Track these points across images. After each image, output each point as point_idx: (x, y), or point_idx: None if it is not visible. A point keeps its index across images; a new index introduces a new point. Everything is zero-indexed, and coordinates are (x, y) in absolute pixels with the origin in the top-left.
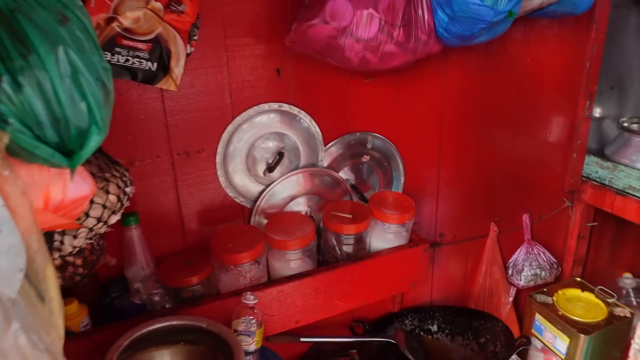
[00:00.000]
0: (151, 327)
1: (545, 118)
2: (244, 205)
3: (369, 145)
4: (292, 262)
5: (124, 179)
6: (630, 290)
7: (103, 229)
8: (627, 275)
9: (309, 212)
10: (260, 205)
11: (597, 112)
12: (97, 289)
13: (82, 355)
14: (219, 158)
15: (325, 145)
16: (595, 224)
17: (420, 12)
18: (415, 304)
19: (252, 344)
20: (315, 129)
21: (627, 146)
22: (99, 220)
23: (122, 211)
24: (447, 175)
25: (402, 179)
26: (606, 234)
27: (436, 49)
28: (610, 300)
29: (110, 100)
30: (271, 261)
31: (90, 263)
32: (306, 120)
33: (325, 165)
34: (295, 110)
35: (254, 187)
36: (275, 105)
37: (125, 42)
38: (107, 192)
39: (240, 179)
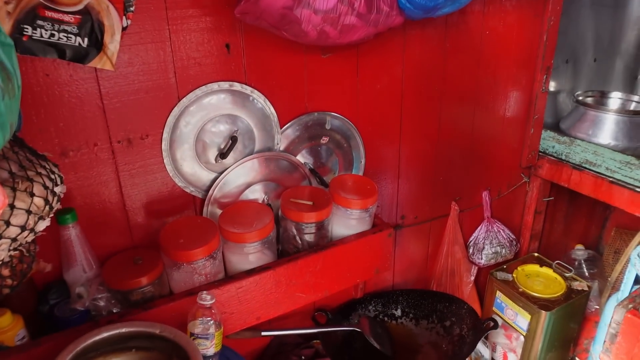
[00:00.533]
0: (97, 337)
1: (503, 93)
2: (195, 196)
3: (327, 126)
4: (251, 255)
5: (53, 176)
6: (583, 261)
7: (30, 237)
8: (579, 247)
9: (266, 200)
10: (213, 195)
11: (552, 86)
12: (33, 297)
13: None
14: (164, 144)
15: (281, 128)
16: (552, 198)
17: None
18: (378, 289)
19: (210, 347)
20: (270, 109)
21: (582, 120)
22: (23, 228)
23: (51, 215)
24: (408, 155)
25: (363, 161)
26: (560, 208)
27: (398, 21)
28: (567, 275)
29: (13, 85)
30: (228, 255)
31: (20, 272)
32: (260, 100)
33: (281, 149)
34: (247, 89)
35: (205, 175)
36: (225, 85)
37: (49, 13)
38: (32, 195)
39: (189, 167)
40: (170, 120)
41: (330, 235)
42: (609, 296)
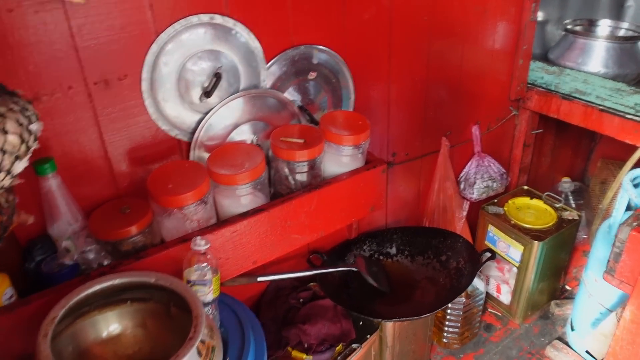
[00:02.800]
0: (89, 290)
1: (492, 24)
2: (181, 139)
3: (314, 60)
4: (243, 197)
5: (27, 113)
6: (570, 193)
7: (8, 181)
8: (566, 179)
9: (255, 141)
10: (199, 137)
11: (540, 15)
12: (17, 254)
13: (10, 333)
14: (145, 85)
15: (267, 63)
16: (541, 130)
17: None
18: (372, 228)
19: (209, 293)
20: (255, 43)
21: (571, 49)
22: None
23: (29, 155)
24: (398, 91)
25: (352, 97)
26: (547, 141)
27: None
28: (558, 205)
29: None
30: (219, 199)
31: (1, 225)
32: (243, 34)
33: (268, 86)
34: (230, 22)
35: (189, 117)
36: (205, 18)
37: None
38: (4, 132)
39: (173, 109)
40: (149, 58)
41: (323, 174)
42: (600, 223)
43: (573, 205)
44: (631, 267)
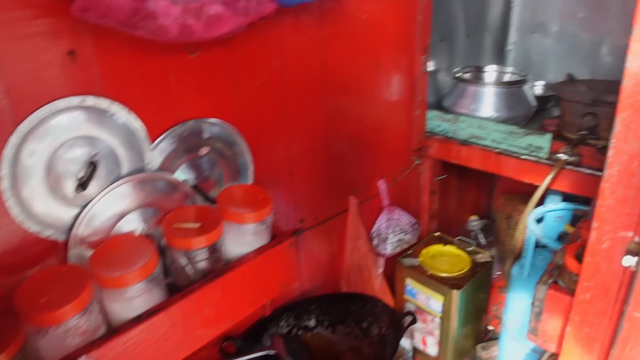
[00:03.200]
0: None
1: (386, 78)
2: (56, 239)
3: (205, 135)
4: (136, 299)
5: None
6: (479, 231)
7: None
8: (474, 218)
9: (145, 231)
10: (78, 234)
11: (431, 65)
12: None
13: None
14: (5, 183)
15: (151, 143)
16: (445, 176)
17: None
18: (287, 300)
19: None
20: (136, 123)
21: (463, 96)
22: None
23: None
24: (299, 153)
25: (251, 167)
26: (451, 184)
27: (270, 8)
28: (470, 249)
29: None
30: (107, 304)
31: None
32: (122, 114)
33: (155, 168)
34: (104, 103)
35: (65, 213)
36: (75, 101)
37: None
38: None
39: (42, 206)
40: (8, 152)
41: (225, 257)
42: (512, 264)
43: (483, 242)
44: (553, 325)
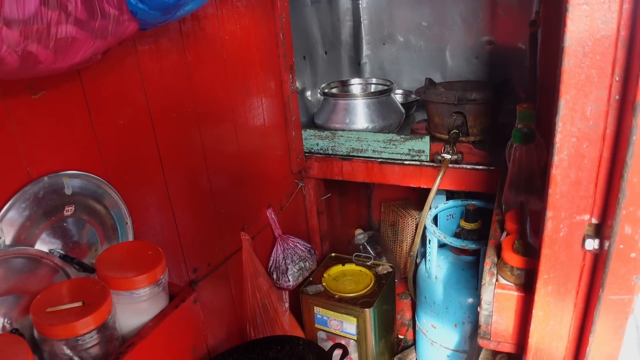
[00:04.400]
0: None
1: (257, 102)
2: None
3: (68, 191)
4: None
5: None
6: (365, 243)
7: None
8: (359, 231)
9: (8, 327)
10: None
11: (297, 84)
12: None
13: None
14: None
15: None
16: (329, 195)
17: None
18: None
19: None
20: None
21: (335, 112)
22: None
23: None
24: (180, 194)
25: (129, 220)
26: (334, 201)
27: (132, 28)
28: (369, 263)
29: None
30: None
31: None
32: None
33: (8, 242)
34: None
35: None
36: None
37: None
38: None
39: None
40: None
41: (120, 334)
42: (415, 270)
43: (372, 253)
44: (505, 325)
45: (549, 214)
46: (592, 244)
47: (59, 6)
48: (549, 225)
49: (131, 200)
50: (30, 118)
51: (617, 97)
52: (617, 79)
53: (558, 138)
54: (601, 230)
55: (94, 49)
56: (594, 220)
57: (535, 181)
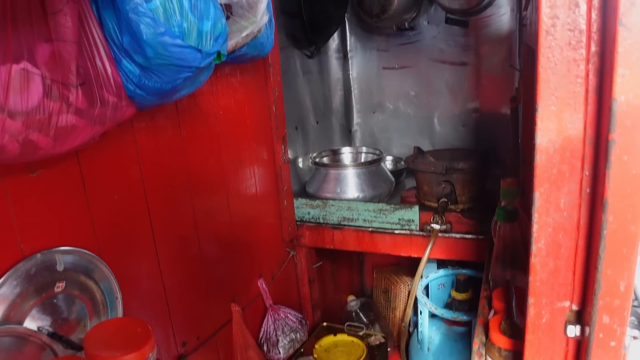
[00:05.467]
0: None
1: (250, 172)
2: None
3: (59, 267)
4: None
5: None
6: (358, 310)
7: None
8: (351, 297)
9: None
10: None
11: (289, 153)
12: None
13: None
14: None
15: None
16: (320, 263)
17: (99, 63)
18: None
19: None
20: None
21: (326, 181)
22: None
23: None
24: (171, 267)
25: (119, 295)
26: (326, 268)
27: (129, 112)
28: (361, 333)
29: None
30: None
31: None
32: None
33: None
34: None
35: None
36: None
37: None
38: None
39: None
40: None
41: None
42: (407, 340)
43: (365, 320)
44: None
45: (531, 300)
46: (573, 331)
47: (60, 97)
48: (531, 311)
49: (122, 273)
50: (27, 196)
51: (587, 190)
52: (586, 174)
53: (535, 228)
54: (582, 316)
55: (92, 134)
56: (575, 307)
57: (521, 257)
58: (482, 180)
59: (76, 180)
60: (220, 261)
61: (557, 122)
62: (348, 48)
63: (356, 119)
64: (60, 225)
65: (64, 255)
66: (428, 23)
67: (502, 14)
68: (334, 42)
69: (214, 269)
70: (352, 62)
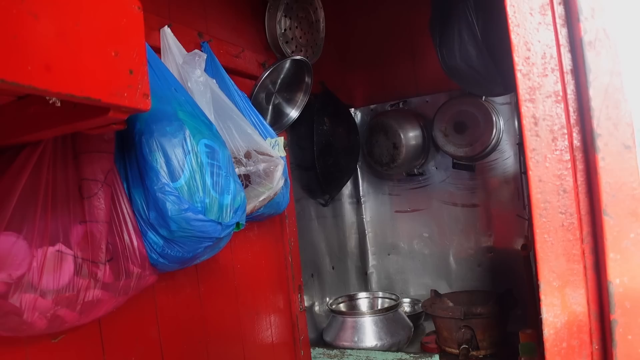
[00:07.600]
0: None
1: (266, 322)
2: None
3: None
4: None
5: None
6: None
7: None
8: None
9: None
10: None
11: (305, 300)
12: None
13: None
14: None
15: None
16: None
17: (127, 237)
18: None
19: None
20: None
21: (343, 329)
22: None
23: None
24: None
25: None
26: None
27: (152, 280)
28: None
29: None
30: None
31: None
32: None
33: None
34: None
35: None
36: None
37: None
38: None
39: None
40: None
41: None
42: None
43: None
44: None
45: None
46: None
47: (89, 274)
48: None
49: None
50: None
51: None
52: (596, 347)
53: None
54: None
55: (116, 305)
56: None
57: None
58: (503, 323)
59: (96, 343)
60: None
61: (561, 298)
62: (361, 193)
63: (371, 261)
64: None
65: None
66: (436, 168)
67: (506, 158)
68: (347, 188)
69: None
70: (365, 207)
